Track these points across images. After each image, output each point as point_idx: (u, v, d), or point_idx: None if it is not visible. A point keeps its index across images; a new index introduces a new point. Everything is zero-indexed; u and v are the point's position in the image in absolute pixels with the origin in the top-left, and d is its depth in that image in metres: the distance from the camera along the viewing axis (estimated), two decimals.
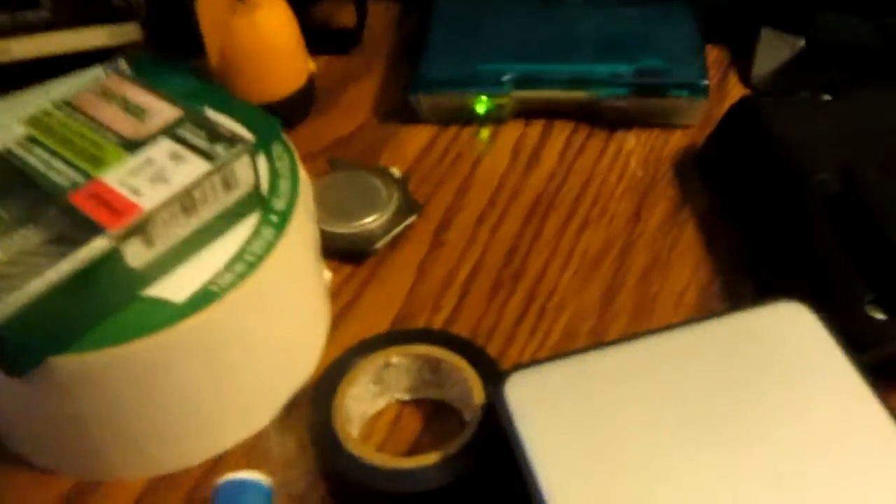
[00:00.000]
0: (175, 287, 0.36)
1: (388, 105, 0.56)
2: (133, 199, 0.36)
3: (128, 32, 0.56)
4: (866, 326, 0.38)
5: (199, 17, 0.49)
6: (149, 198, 0.36)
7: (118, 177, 0.36)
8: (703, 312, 0.44)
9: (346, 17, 0.62)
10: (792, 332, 0.36)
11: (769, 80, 0.55)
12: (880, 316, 0.39)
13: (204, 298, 0.36)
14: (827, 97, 0.47)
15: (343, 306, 0.45)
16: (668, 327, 0.37)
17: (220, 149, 0.37)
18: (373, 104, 0.56)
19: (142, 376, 0.35)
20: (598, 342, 0.37)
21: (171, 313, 0.35)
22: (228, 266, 0.37)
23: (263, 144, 0.41)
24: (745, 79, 0.56)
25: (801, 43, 0.56)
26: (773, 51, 0.56)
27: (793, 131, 0.45)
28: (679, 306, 0.45)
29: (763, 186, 0.45)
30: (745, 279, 0.45)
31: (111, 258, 0.34)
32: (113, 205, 0.35)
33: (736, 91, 0.55)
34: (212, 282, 0.36)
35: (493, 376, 0.37)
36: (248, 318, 0.37)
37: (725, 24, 0.58)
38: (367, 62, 0.59)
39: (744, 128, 0.47)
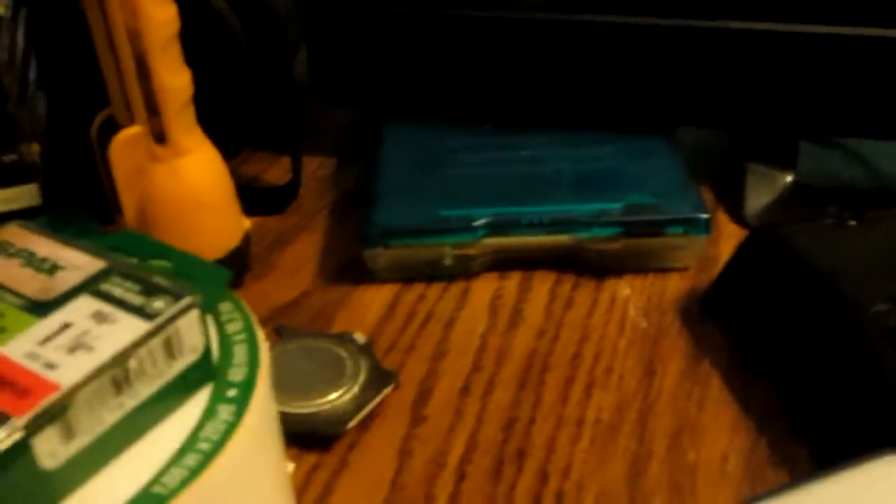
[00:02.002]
0: (106, 493, 0.26)
1: (335, 265, 0.48)
2: (45, 374, 0.26)
3: (23, 196, 0.47)
4: None
5: (113, 164, 0.41)
6: (67, 372, 0.26)
7: (23, 348, 0.27)
8: (757, 482, 0.36)
9: (277, 174, 0.55)
10: None
11: (763, 216, 0.50)
12: None
13: None
14: (853, 223, 0.41)
15: None
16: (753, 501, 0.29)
17: (159, 304, 0.29)
18: (318, 265, 0.48)
19: None
20: None
21: None
22: (176, 459, 0.27)
23: (212, 300, 0.32)
24: (735, 216, 0.50)
25: (790, 177, 0.51)
26: (763, 186, 0.51)
27: (831, 261, 0.39)
28: (725, 476, 0.37)
29: (802, 327, 0.39)
30: (793, 436, 0.38)
31: (18, 458, 0.24)
32: (18, 384, 0.26)
33: (729, 229, 0.49)
34: (156, 481, 0.27)
35: None
36: None
37: (708, 160, 0.52)
38: (307, 220, 0.52)
39: (767, 261, 0.41)
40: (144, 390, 0.28)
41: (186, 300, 0.29)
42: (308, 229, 0.51)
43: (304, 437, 0.38)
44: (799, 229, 0.40)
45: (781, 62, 0.48)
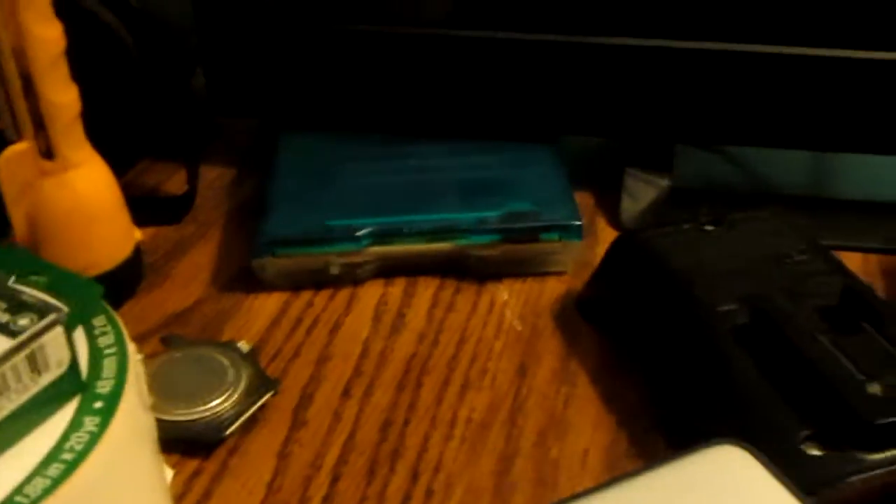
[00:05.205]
0: None
1: (228, 274, 0.50)
2: None
3: None
4: (807, 467, 0.33)
5: (1, 179, 0.42)
6: None
7: None
8: (614, 473, 0.38)
9: (176, 184, 0.56)
10: (734, 479, 0.31)
11: (639, 220, 0.52)
12: (816, 452, 0.34)
13: None
14: (710, 227, 0.44)
15: None
16: (595, 490, 0.31)
17: (24, 321, 0.30)
18: (211, 274, 0.50)
19: None
20: None
21: None
22: (39, 469, 0.29)
23: (81, 315, 0.33)
24: (613, 221, 0.53)
25: (666, 181, 0.54)
26: (640, 191, 0.53)
27: (686, 263, 0.41)
28: (585, 469, 0.39)
29: (660, 325, 0.41)
30: (652, 431, 0.40)
31: None
32: None
33: (606, 233, 0.52)
34: (18, 491, 0.28)
35: None
36: None
37: (588, 167, 0.55)
38: (203, 230, 0.53)
39: (631, 264, 0.43)
40: (9, 405, 0.29)
41: (51, 317, 0.30)
42: (204, 239, 0.52)
43: (185, 443, 0.39)
44: (659, 233, 0.43)
45: (660, 74, 0.50)
